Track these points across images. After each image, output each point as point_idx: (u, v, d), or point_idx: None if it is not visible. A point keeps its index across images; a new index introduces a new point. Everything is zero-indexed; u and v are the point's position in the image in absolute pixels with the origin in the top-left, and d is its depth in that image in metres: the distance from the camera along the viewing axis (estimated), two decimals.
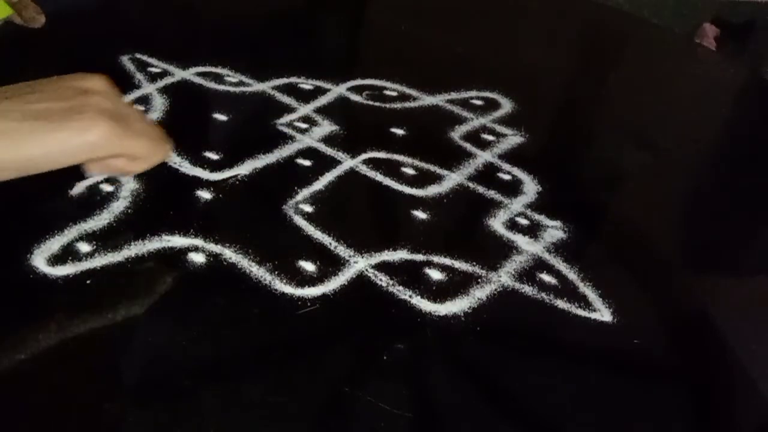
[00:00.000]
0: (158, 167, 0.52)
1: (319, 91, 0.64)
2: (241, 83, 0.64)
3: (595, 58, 0.82)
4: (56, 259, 0.43)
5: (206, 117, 0.60)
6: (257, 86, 0.64)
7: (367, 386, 0.38)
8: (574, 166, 0.62)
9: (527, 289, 0.45)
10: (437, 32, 0.80)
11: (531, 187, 0.55)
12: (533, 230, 0.50)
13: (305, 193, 0.51)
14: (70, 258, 0.43)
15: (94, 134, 0.41)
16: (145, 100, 0.60)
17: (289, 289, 0.43)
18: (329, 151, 0.56)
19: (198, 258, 0.45)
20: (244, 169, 0.53)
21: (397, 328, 0.42)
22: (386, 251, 0.47)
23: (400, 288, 0.44)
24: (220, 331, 0.41)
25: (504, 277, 0.46)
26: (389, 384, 0.39)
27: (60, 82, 0.44)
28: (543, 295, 0.45)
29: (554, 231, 0.50)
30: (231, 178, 0.52)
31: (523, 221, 0.51)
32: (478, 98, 0.66)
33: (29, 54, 0.67)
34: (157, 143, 0.47)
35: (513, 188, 0.54)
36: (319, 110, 0.61)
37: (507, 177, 0.56)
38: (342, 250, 0.46)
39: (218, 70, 0.65)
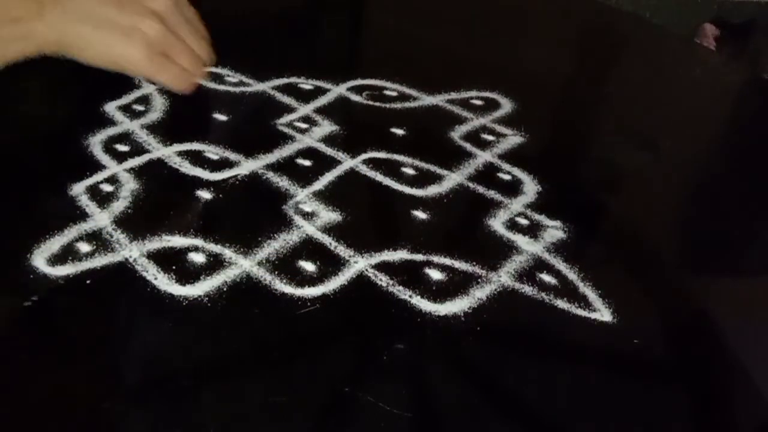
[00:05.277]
0: (158, 167, 0.52)
1: (319, 91, 0.64)
2: (241, 83, 0.64)
3: (595, 58, 0.82)
4: (56, 259, 0.43)
5: (206, 117, 0.60)
6: (257, 86, 0.64)
7: (367, 386, 0.38)
8: (574, 166, 0.62)
9: (527, 289, 0.45)
10: (437, 32, 0.80)
11: (531, 187, 0.55)
12: (533, 230, 0.50)
13: (305, 193, 0.51)
14: (70, 258, 0.43)
15: (127, 61, 0.55)
16: (145, 100, 0.60)
17: (289, 289, 0.43)
18: (329, 151, 0.56)
19: (198, 258, 0.45)
20: (244, 169, 0.53)
21: (397, 328, 0.42)
22: (386, 251, 0.47)
23: (400, 288, 0.44)
24: (220, 331, 0.41)
25: (504, 277, 0.46)
26: (389, 384, 0.39)
27: None
28: (543, 295, 0.45)
29: (554, 231, 0.50)
30: (231, 178, 0.52)
31: (523, 221, 0.51)
32: (478, 98, 0.66)
33: None
34: (184, 76, 0.58)
35: (513, 188, 0.54)
36: (319, 110, 0.61)
37: (507, 177, 0.56)
38: (342, 250, 0.46)
39: (218, 70, 0.65)
